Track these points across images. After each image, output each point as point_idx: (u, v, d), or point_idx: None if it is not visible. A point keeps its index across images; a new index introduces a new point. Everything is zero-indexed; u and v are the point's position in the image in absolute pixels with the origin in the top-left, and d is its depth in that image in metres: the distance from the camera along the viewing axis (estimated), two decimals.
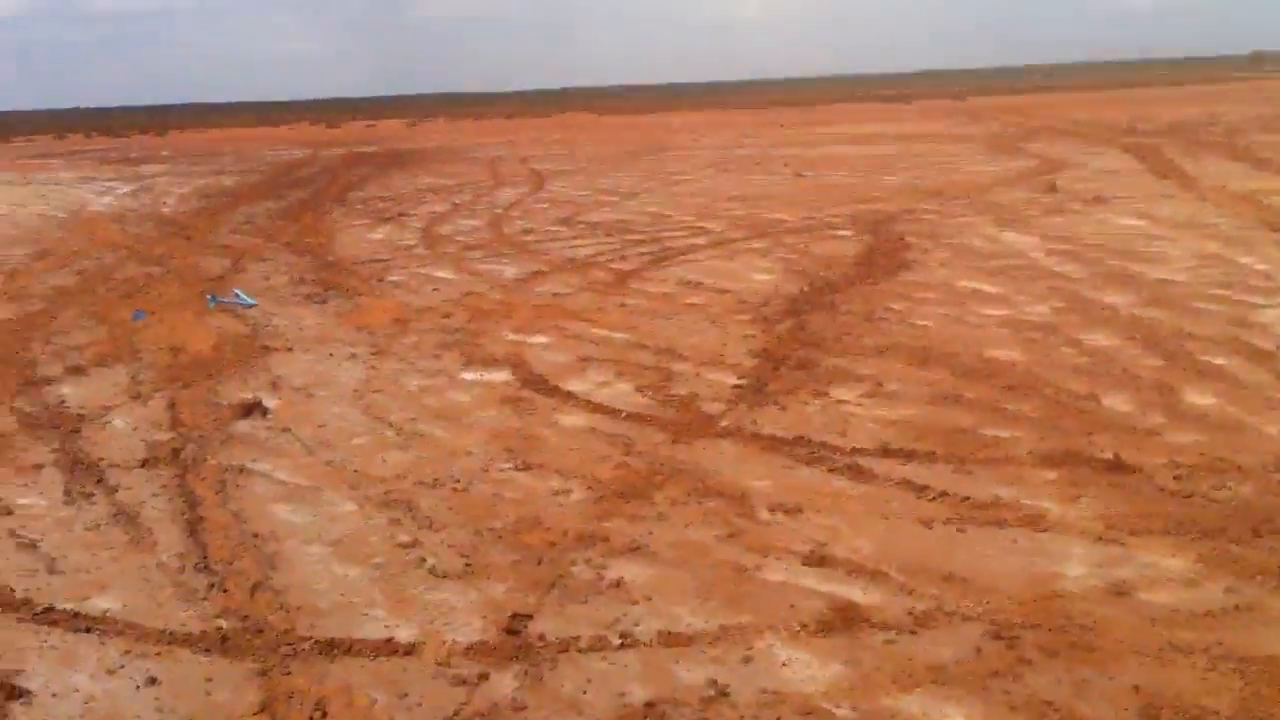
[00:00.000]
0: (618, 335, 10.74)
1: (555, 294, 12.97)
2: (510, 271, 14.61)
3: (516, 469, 7.15)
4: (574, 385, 9.05)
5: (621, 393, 8.80)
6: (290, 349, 10.67)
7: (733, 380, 8.97)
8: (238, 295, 13.24)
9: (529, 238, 17.61)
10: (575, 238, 17.41)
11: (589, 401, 8.57)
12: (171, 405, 8.85)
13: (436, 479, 7.01)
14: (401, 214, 21.68)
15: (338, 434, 7.99)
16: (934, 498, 6.42)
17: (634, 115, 78.33)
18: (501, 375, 9.43)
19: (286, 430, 8.10)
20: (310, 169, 34.84)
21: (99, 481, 7.17)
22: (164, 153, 49.01)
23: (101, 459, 7.61)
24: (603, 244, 16.62)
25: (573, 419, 8.17)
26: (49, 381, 9.74)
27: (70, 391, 9.40)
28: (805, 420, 7.90)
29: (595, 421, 8.07)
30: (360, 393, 9.04)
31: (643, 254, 15.52)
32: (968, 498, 6.39)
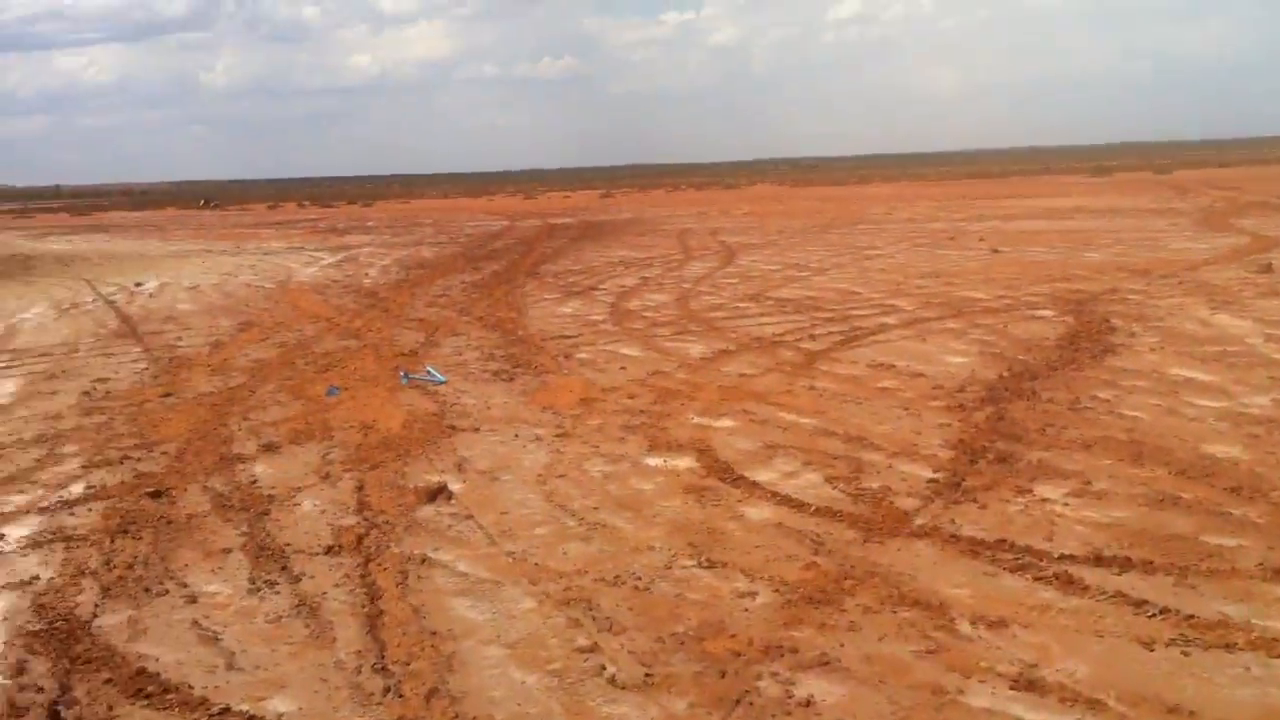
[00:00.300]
0: (806, 421, 10.40)
1: (742, 374, 12.70)
2: (697, 350, 14.38)
3: (700, 566, 6.87)
4: (760, 475, 8.73)
5: (810, 484, 8.45)
6: (477, 429, 10.59)
7: (928, 473, 8.54)
8: (429, 372, 13.31)
9: (717, 314, 17.39)
10: (763, 315, 17.13)
11: (776, 493, 8.24)
12: (359, 487, 8.80)
13: (618, 576, 6.76)
14: (592, 288, 21.72)
15: (520, 522, 7.82)
16: (1153, 615, 5.90)
17: (825, 188, 78.01)
18: (686, 462, 9.16)
19: (469, 517, 7.97)
20: (506, 240, 35.44)
21: (283, 569, 7.12)
22: (369, 223, 50.64)
23: (287, 544, 7.57)
24: (791, 322, 16.30)
25: (759, 512, 7.85)
26: (243, 460, 9.82)
27: (262, 471, 9.45)
28: (1007, 521, 7.42)
29: (782, 515, 7.73)
30: (544, 478, 8.87)
31: (832, 333, 15.15)
32: (1191, 616, 5.86)
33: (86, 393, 13.15)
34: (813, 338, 14.95)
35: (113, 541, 7.80)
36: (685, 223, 41.23)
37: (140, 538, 7.87)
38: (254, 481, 9.17)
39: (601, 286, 21.89)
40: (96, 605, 6.68)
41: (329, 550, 7.41)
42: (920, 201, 50.96)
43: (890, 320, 16.19)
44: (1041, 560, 6.73)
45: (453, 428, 10.70)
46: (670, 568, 6.90)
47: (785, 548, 7.14)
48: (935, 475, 8.53)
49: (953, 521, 7.48)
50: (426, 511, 8.20)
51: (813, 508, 7.87)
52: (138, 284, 25.86)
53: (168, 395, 12.84)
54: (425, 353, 15.03)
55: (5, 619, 6.53)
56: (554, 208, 62.27)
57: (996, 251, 25.62)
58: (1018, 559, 6.77)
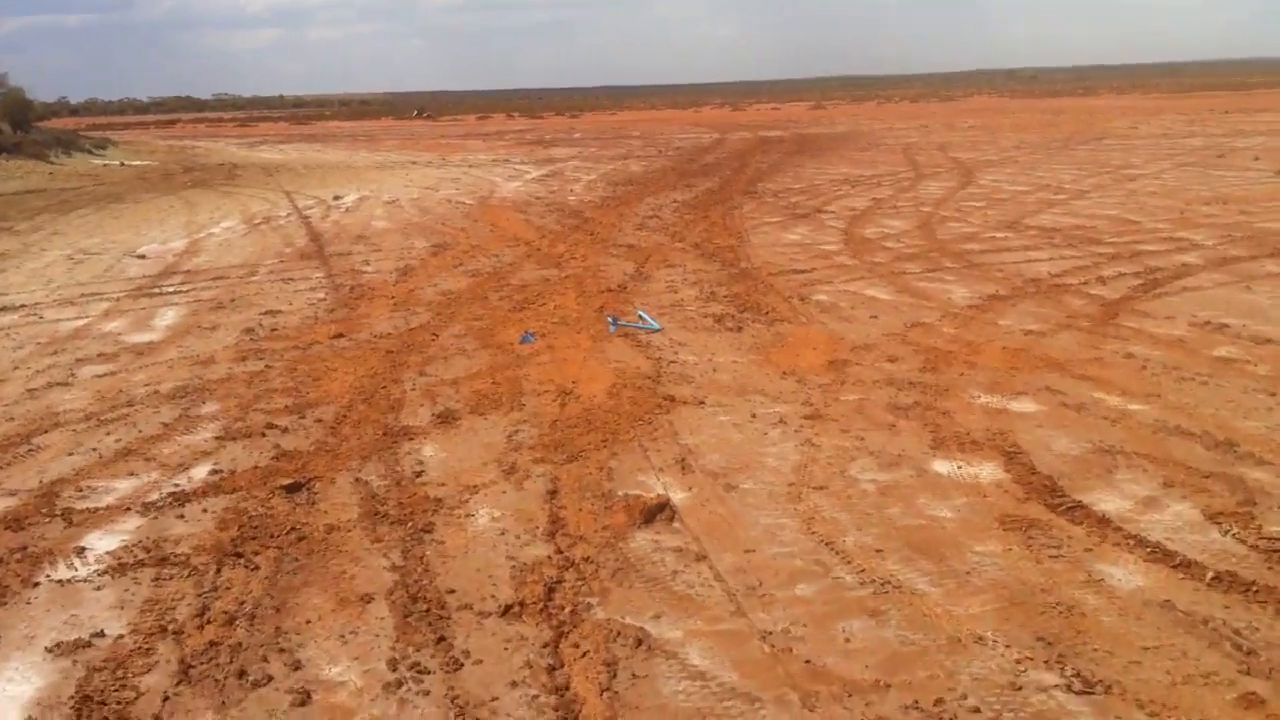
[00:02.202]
0: (1138, 407, 7.58)
1: (1027, 331, 9.90)
2: (959, 294, 11.56)
3: (1069, 689, 4.23)
4: (1105, 501, 6.00)
5: (1185, 523, 5.71)
6: (702, 402, 8.10)
7: None
8: (641, 317, 10.82)
9: (971, 246, 14.47)
10: (1028, 248, 14.15)
11: (1139, 539, 5.56)
12: (552, 492, 6.43)
13: (939, 698, 4.13)
14: (818, 210, 18.93)
15: (772, 572, 5.33)
16: None
17: (1049, 99, 72.69)
18: (989, 471, 6.51)
19: (701, 558, 5.51)
20: (717, 154, 32.69)
21: (440, 640, 4.75)
22: (576, 135, 48.41)
23: (451, 592, 5.20)
24: (1066, 258, 13.35)
25: (1126, 576, 5.19)
26: (410, 435, 7.59)
27: (432, 455, 7.21)
28: None
29: (1166, 586, 5.05)
30: (796, 489, 6.35)
31: (1122, 274, 12.16)
32: None
33: (250, 329, 11.10)
34: (1102, 281, 11.95)
35: (219, 571, 5.57)
36: (907, 137, 37.75)
37: (256, 566, 5.61)
38: (419, 473, 6.87)
39: (828, 209, 19.05)
40: (164, 702, 4.36)
41: (506, 611, 5.02)
42: (1163, 115, 46.14)
43: (1191, 259, 13.06)
44: None
45: (671, 399, 8.21)
46: (1019, 686, 4.29)
47: (1193, 654, 4.47)
48: None
49: None
50: (641, 541, 5.74)
51: (1209, 573, 5.11)
52: (336, 197, 24.10)
53: (339, 336, 10.68)
54: (635, 287, 12.56)
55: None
56: (764, 120, 58.99)
57: None
58: None
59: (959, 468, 6.69)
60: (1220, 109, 49.53)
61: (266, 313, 12.03)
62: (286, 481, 6.81)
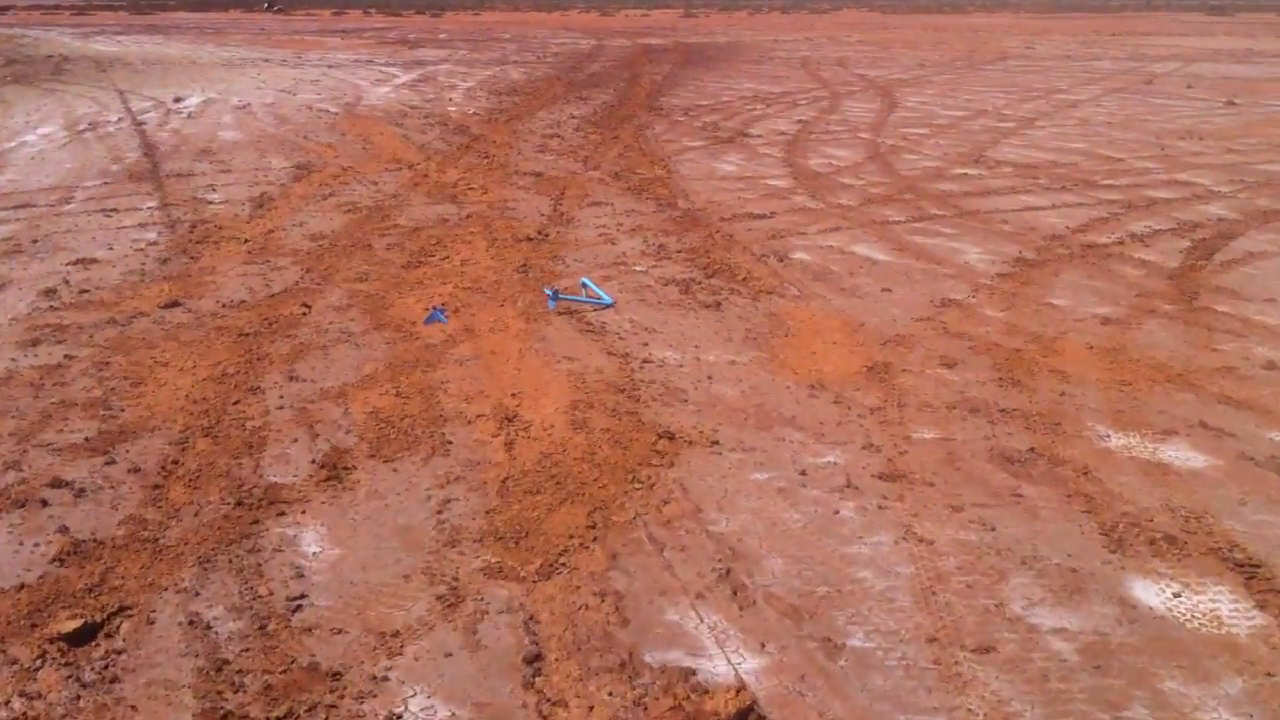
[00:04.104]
0: None
1: (1099, 318, 7.33)
2: (975, 255, 8.99)
3: None
4: None
5: None
6: (715, 442, 5.32)
7: None
8: (585, 286, 7.87)
9: (947, 186, 11.92)
10: (1015, 190, 11.67)
11: None
12: (531, 656, 3.51)
13: None
14: (741, 133, 16.10)
15: None
16: None
17: (917, 14, 70.67)
18: (1232, 606, 4.11)
19: None
20: (602, 63, 29.51)
21: None
22: (441, 35, 44.47)
23: None
24: (1068, 205, 11.00)
25: None
26: (280, 506, 4.86)
27: (317, 554, 4.58)
28: None
29: None
30: (944, 653, 3.96)
31: (1156, 231, 9.87)
32: None
33: (51, 290, 7.94)
34: (1140, 241, 9.50)
35: None
36: (797, 50, 35.00)
37: None
38: (297, 604, 4.00)
39: (752, 132, 16.23)
40: None
41: None
42: (1051, 35, 44.26)
43: (1221, 211, 10.78)
44: None
45: (669, 435, 5.38)
46: None
47: None
48: None
49: None
50: None
51: None
52: (177, 99, 20.40)
53: (173, 304, 7.58)
54: (559, 234, 9.66)
55: None
56: (637, 26, 55.58)
57: (1233, 103, 19.60)
58: None
59: (1177, 598, 4.01)
60: (1106, 30, 47.83)
61: (77, 262, 8.79)
62: (68, 625, 3.74)
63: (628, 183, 12.27)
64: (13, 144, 15.27)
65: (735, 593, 4.15)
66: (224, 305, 7.74)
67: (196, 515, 4.70)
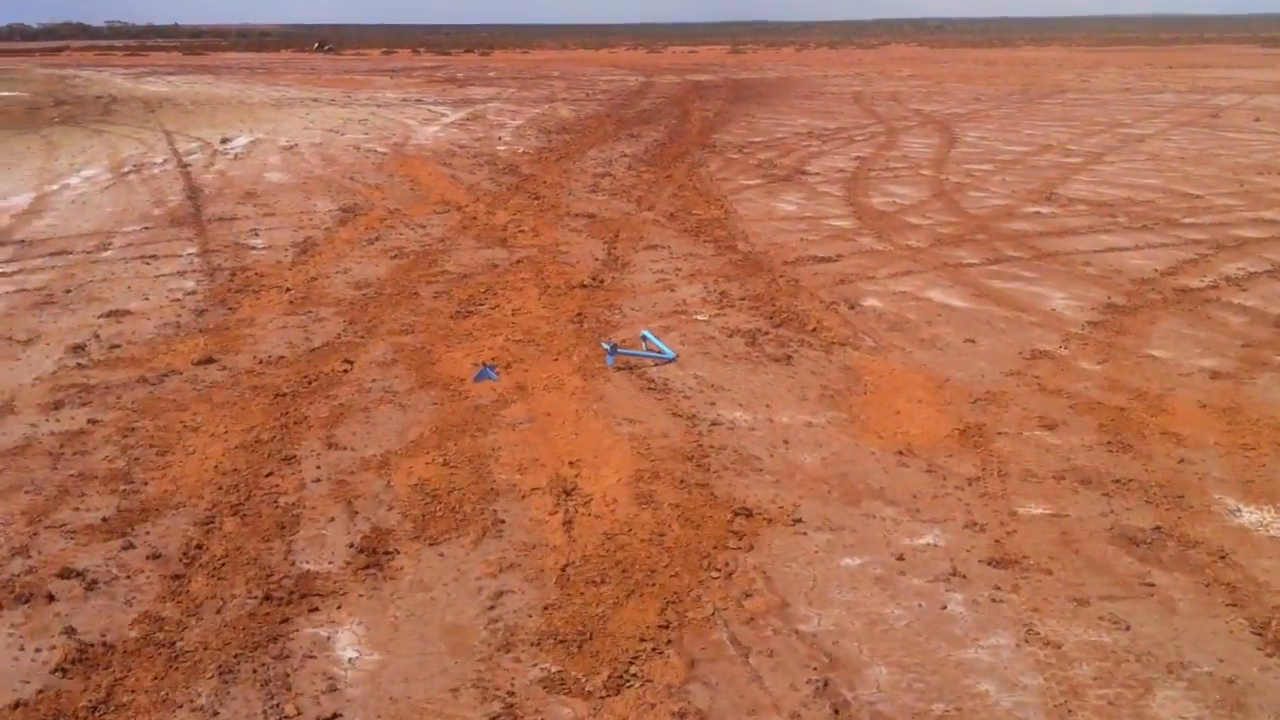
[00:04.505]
0: None
1: (1206, 372, 6.93)
2: (1060, 301, 8.35)
3: None
4: None
5: None
6: (797, 520, 4.66)
7: None
8: (645, 339, 7.29)
9: (1020, 226, 11.25)
10: (1094, 230, 11.03)
11: None
12: None
13: None
14: (799, 171, 15.50)
15: None
16: None
17: (963, 49, 70.00)
18: None
19: None
20: (652, 100, 29.07)
21: None
22: (490, 73, 44.29)
23: None
24: (1152, 245, 10.37)
25: None
26: (314, 601, 4.43)
27: (354, 661, 4.12)
28: None
29: None
30: None
31: (1252, 274, 9.45)
32: None
33: (80, 345, 7.41)
34: (1238, 286, 8.80)
35: None
36: (849, 85, 34.44)
37: None
38: None
39: (809, 169, 15.62)
40: None
41: None
42: (1105, 68, 43.50)
43: None
44: None
45: (746, 512, 4.73)
46: None
47: None
48: None
49: None
50: None
51: None
52: (224, 140, 20.07)
53: (208, 361, 7.03)
54: (614, 280, 9.07)
55: None
56: (684, 63, 55.25)
57: None
58: None
59: None
60: (1162, 63, 46.97)
61: (110, 314, 8.30)
62: None
63: (684, 224, 11.71)
64: (55, 187, 14.93)
65: (837, 712, 3.52)
66: (261, 362, 7.22)
67: (219, 612, 4.13)
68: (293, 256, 10.36)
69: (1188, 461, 5.48)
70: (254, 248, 10.75)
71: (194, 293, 9.09)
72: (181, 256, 10.42)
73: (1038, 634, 3.96)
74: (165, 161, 17.48)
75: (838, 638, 3.96)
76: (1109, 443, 5.72)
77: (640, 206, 12.87)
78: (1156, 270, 9.46)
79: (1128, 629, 3.99)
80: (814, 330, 7.80)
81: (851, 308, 8.43)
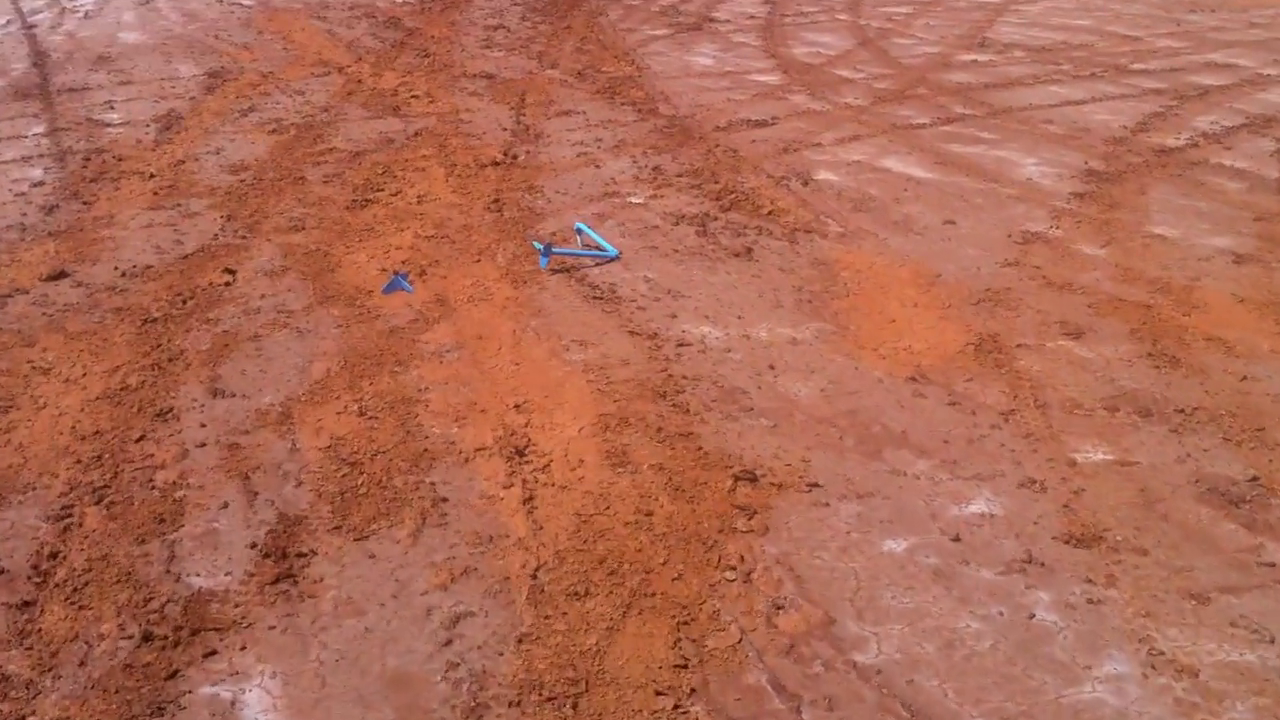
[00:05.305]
0: None
1: (1231, 256, 6.20)
2: (1033, 168, 7.71)
3: None
4: None
5: None
6: (811, 486, 3.62)
7: None
8: (581, 233, 6.11)
9: (961, 77, 10.38)
10: (1040, 80, 10.29)
11: None
12: None
13: None
14: (708, 19, 14.29)
15: None
16: None
17: None
18: None
19: None
20: None
21: None
22: None
23: None
24: (1110, 97, 9.71)
25: None
26: (195, 631, 3.28)
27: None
28: None
29: None
30: None
31: (1229, 129, 8.77)
32: None
33: None
34: (1219, 143, 8.03)
35: None
36: None
37: None
38: None
39: (717, 16, 14.41)
40: None
41: None
42: None
43: None
44: None
45: (749, 478, 3.61)
46: None
47: None
48: None
49: None
50: None
51: None
52: None
53: (60, 275, 5.69)
54: (530, 155, 7.80)
55: None
56: None
57: None
58: None
59: None
60: None
61: None
62: None
63: (595, 84, 10.41)
64: None
65: None
66: (124, 274, 5.91)
67: (82, 664, 2.97)
68: (155, 134, 8.88)
69: (1251, 379, 4.55)
70: (110, 124, 9.23)
71: (41, 184, 7.64)
72: (27, 138, 8.89)
73: (1162, 654, 3.01)
74: (9, 23, 15.43)
75: (910, 673, 2.95)
76: (1150, 354, 4.77)
77: (543, 64, 11.50)
78: (1125, 127, 8.52)
79: (1270, 640, 3.03)
80: (770, 214, 6.70)
81: (805, 184, 7.33)
